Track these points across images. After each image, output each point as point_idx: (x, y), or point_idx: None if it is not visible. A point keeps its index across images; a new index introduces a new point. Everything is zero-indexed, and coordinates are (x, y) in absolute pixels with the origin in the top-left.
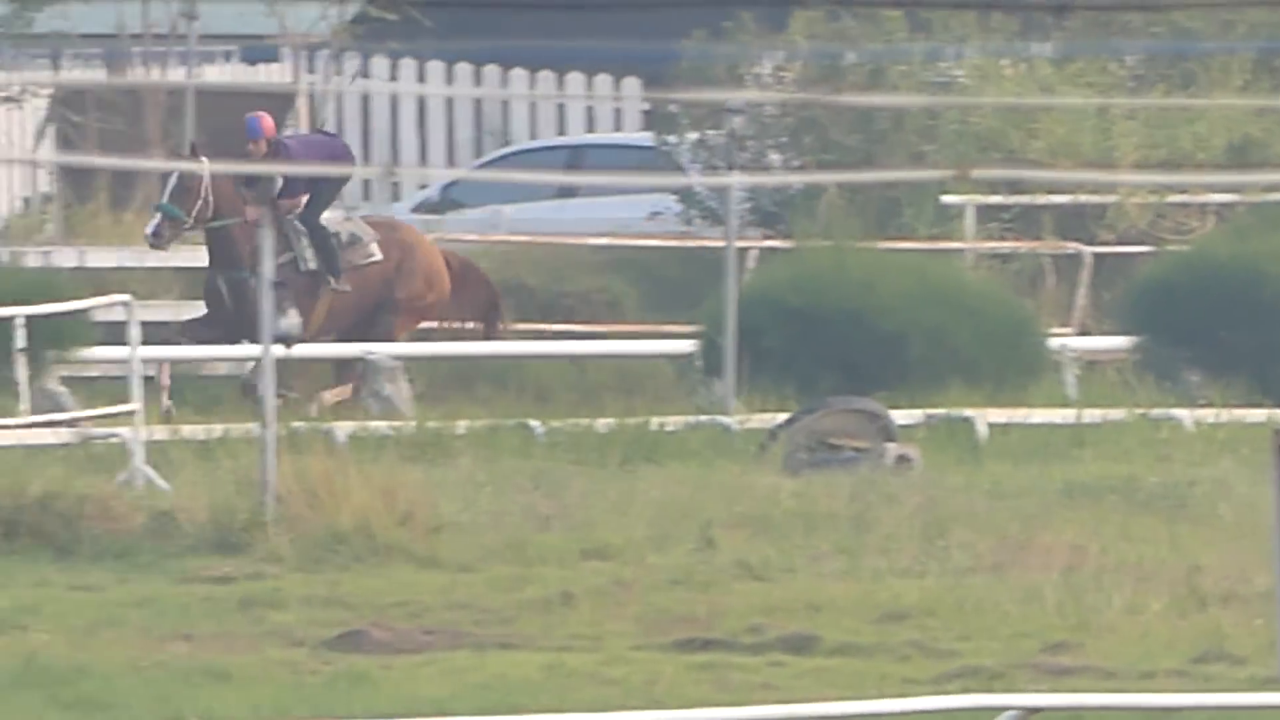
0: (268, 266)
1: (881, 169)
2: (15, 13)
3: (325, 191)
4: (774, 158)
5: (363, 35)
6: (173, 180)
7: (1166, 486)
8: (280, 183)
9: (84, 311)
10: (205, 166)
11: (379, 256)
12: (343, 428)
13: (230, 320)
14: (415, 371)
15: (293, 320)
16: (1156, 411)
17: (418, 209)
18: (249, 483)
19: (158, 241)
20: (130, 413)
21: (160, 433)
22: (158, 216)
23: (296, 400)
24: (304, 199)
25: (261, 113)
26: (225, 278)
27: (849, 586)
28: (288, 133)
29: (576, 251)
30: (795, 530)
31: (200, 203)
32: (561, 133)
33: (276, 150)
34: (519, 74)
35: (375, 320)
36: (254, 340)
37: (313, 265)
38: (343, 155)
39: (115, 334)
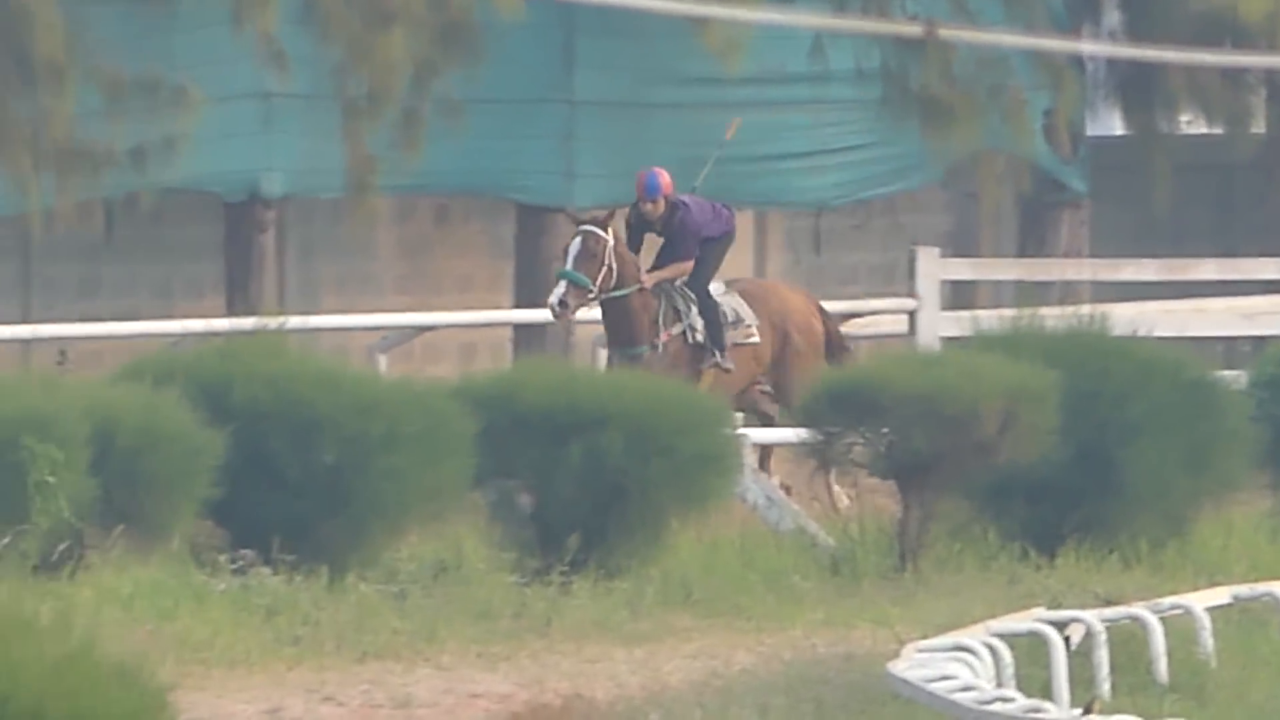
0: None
1: None
2: None
3: (713, 255)
4: None
5: None
6: (575, 246)
7: None
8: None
9: None
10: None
11: (757, 339)
12: None
13: None
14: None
15: None
16: None
17: None
18: None
19: (563, 311)
20: None
21: None
22: (562, 285)
23: None
24: (691, 264)
25: (659, 169)
26: (626, 356)
27: None
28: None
29: None
30: None
31: (604, 269)
32: None
33: (674, 209)
34: None
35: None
36: None
37: (700, 338)
38: (726, 215)
39: None
